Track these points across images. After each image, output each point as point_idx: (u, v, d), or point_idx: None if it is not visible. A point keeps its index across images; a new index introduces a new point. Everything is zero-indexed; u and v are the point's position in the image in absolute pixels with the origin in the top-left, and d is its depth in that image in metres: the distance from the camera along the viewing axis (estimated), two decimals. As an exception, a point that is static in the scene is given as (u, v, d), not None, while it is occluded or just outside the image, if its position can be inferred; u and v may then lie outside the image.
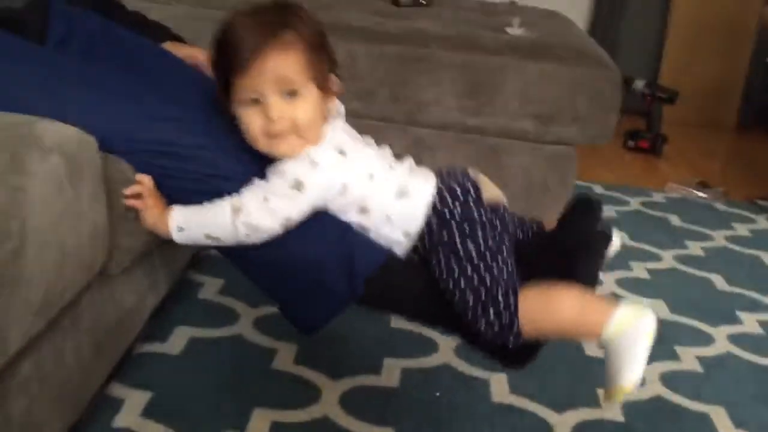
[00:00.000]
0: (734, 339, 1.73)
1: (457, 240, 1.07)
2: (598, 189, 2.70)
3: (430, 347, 1.54)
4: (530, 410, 1.38)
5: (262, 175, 1.07)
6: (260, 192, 1.04)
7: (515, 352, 1.10)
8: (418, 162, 2.01)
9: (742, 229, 2.48)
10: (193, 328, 1.52)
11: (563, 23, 2.44)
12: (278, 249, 1.08)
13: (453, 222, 1.07)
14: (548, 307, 1.05)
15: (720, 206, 2.69)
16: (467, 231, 1.07)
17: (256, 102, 1.03)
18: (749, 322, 1.82)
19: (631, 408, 1.41)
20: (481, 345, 1.11)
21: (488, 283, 1.05)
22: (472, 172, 1.13)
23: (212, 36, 1.05)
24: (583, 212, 1.18)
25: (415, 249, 1.12)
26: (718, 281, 2.04)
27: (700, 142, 3.59)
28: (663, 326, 1.73)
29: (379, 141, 2.06)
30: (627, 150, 3.29)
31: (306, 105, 1.04)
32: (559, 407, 1.39)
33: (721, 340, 1.71)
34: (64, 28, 1.24)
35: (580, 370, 1.52)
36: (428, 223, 1.09)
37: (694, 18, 3.76)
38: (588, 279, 1.11)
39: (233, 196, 1.05)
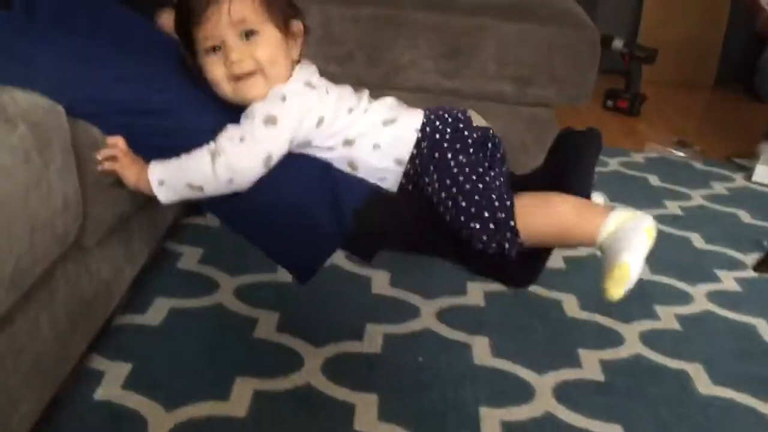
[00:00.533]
0: (712, 297, 1.74)
1: (449, 156, 1.07)
2: (577, 150, 2.70)
3: (412, 312, 1.54)
4: (512, 372, 1.38)
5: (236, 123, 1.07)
6: (236, 133, 1.03)
7: (518, 267, 1.10)
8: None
9: (719, 188, 2.49)
10: (173, 299, 1.50)
11: (541, -17, 2.41)
12: (260, 196, 1.07)
13: (444, 142, 1.08)
14: (546, 210, 1.05)
15: (698, 165, 2.70)
16: (458, 147, 1.08)
17: (216, 50, 1.04)
18: (727, 280, 1.83)
19: (610, 367, 1.43)
20: (481, 264, 1.11)
21: (481, 189, 1.05)
22: (461, 107, 1.15)
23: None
24: (568, 138, 1.19)
25: (406, 174, 1.11)
26: (697, 240, 2.05)
27: (678, 101, 3.59)
28: (642, 285, 1.76)
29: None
30: (606, 110, 3.28)
31: (266, 44, 1.05)
32: (540, 368, 1.40)
33: (699, 299, 1.73)
34: None
35: (561, 332, 1.53)
36: (418, 146, 1.08)
37: (672, -24, 3.75)
38: (581, 186, 1.11)
39: (210, 143, 1.04)
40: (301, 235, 1.11)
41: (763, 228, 2.19)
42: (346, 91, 1.13)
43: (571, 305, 1.63)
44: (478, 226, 1.05)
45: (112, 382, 1.25)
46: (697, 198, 2.38)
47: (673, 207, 2.28)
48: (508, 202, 1.05)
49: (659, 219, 2.15)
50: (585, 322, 1.58)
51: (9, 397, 0.90)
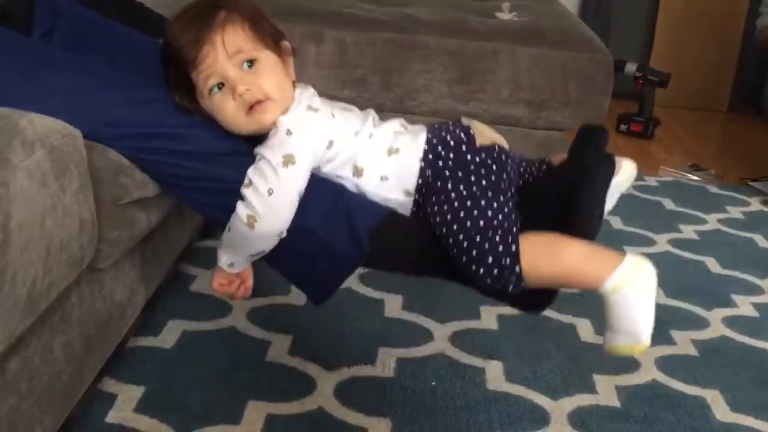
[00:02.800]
0: (729, 322, 1.72)
1: (449, 185, 1.05)
2: (591, 174, 2.69)
3: (425, 336, 1.54)
4: (526, 397, 1.37)
5: (250, 148, 1.07)
6: (262, 186, 1.02)
7: (530, 296, 1.08)
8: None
9: (735, 212, 2.47)
10: (186, 321, 1.51)
11: (553, 7, 2.42)
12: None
13: (446, 170, 1.06)
14: (553, 252, 1.03)
15: (713, 189, 2.69)
16: (459, 175, 1.06)
17: (220, 87, 1.04)
18: (743, 305, 1.81)
19: (627, 393, 1.41)
20: (485, 291, 1.09)
21: (482, 227, 1.02)
22: (465, 121, 1.12)
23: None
24: (586, 142, 1.15)
25: (416, 202, 1.10)
26: (712, 264, 2.04)
27: (692, 124, 3.58)
28: (658, 310, 1.73)
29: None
30: (619, 134, 3.28)
31: (267, 70, 1.05)
32: (555, 394, 1.39)
33: (715, 324, 1.71)
34: (49, 19, 1.23)
35: (576, 357, 1.52)
36: (423, 176, 1.08)
37: (685, 0, 3.75)
38: (592, 206, 1.09)
39: (239, 206, 1.03)
40: (318, 257, 1.10)
41: (780, 252, 2.17)
42: (351, 113, 1.12)
43: (585, 330, 1.62)
44: (481, 271, 1.03)
45: (125, 404, 1.25)
46: (713, 222, 2.36)
47: (688, 231, 2.26)
48: (513, 247, 1.02)
49: (675, 243, 2.15)
50: (600, 347, 1.55)
51: (23, 420, 0.90)
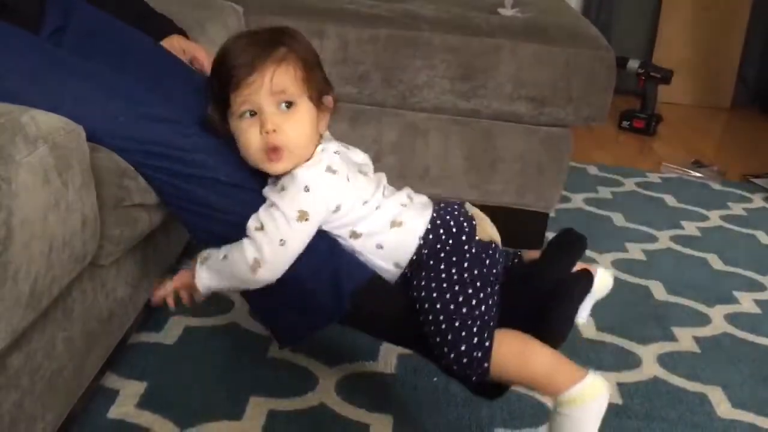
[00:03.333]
0: (731, 318, 1.72)
1: (442, 266, 1.08)
2: (592, 170, 2.69)
3: (427, 332, 1.54)
4: (528, 394, 1.37)
5: (258, 179, 1.09)
6: (275, 236, 1.03)
7: (486, 385, 1.11)
8: (412, 148, 2.00)
9: (737, 209, 2.47)
10: (188, 318, 1.51)
11: (556, 3, 2.41)
12: None
13: (442, 253, 1.08)
14: (522, 357, 1.06)
15: (715, 185, 2.68)
16: (454, 261, 1.08)
17: (252, 114, 1.04)
18: (746, 302, 1.81)
19: (628, 389, 1.41)
20: (449, 373, 1.11)
21: (464, 315, 1.05)
22: (469, 208, 1.14)
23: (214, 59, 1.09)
24: (565, 250, 1.18)
25: (402, 275, 1.12)
26: (714, 261, 2.03)
27: (694, 121, 3.58)
28: (659, 307, 1.74)
29: (372, 125, 2.04)
30: (621, 130, 3.27)
31: (300, 118, 1.05)
32: (557, 390, 1.39)
33: (717, 320, 1.71)
34: (59, 18, 1.23)
35: (577, 353, 1.52)
36: (418, 253, 1.09)
37: (688, -3, 3.75)
38: (561, 324, 1.11)
39: (247, 247, 1.04)
40: (297, 306, 1.12)
41: (782, 249, 2.16)
42: (364, 179, 1.12)
43: (587, 327, 1.62)
44: (451, 356, 1.05)
45: (127, 400, 1.25)
46: (715, 218, 2.36)
47: (690, 228, 2.26)
48: (487, 343, 1.05)
49: (677, 240, 2.15)
50: (601, 343, 1.57)
51: (25, 416, 0.90)
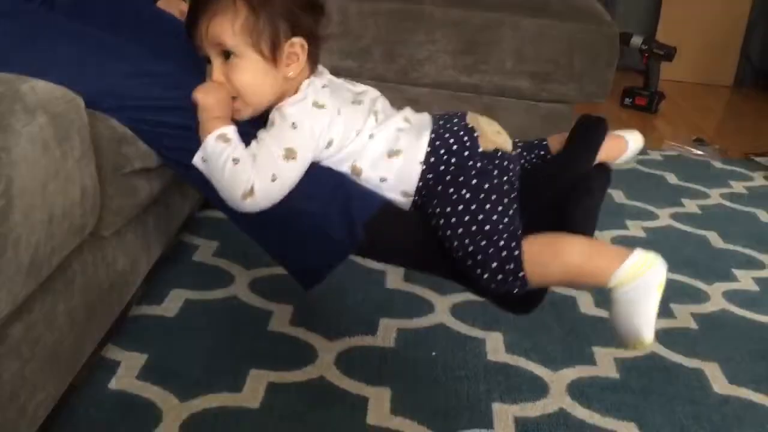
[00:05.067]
0: (729, 296, 1.73)
1: (451, 190, 1.05)
2: (594, 148, 2.68)
3: (426, 307, 1.54)
4: (526, 368, 1.38)
5: (252, 127, 1.07)
6: (268, 171, 1.01)
7: (520, 297, 1.08)
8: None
9: (738, 187, 2.47)
10: (189, 291, 1.51)
11: (560, -22, 2.39)
12: (276, 205, 1.06)
13: (447, 175, 1.06)
14: (555, 252, 1.04)
15: (716, 164, 2.68)
16: (461, 180, 1.05)
17: (209, 62, 1.06)
18: (744, 280, 1.82)
19: (626, 365, 1.42)
20: (484, 292, 1.09)
21: (487, 231, 1.03)
22: (470, 118, 1.11)
23: None
24: (585, 139, 1.15)
25: (414, 204, 1.10)
26: (714, 238, 2.04)
27: (697, 99, 3.56)
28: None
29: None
30: (624, 108, 3.26)
31: (243, 70, 1.04)
32: (555, 365, 1.40)
33: (716, 298, 1.72)
34: None
35: (575, 328, 1.52)
36: (423, 179, 1.07)
37: (693, -27, 3.71)
38: (585, 221, 1.09)
39: (241, 171, 1.01)
40: (312, 242, 1.10)
41: (782, 228, 2.16)
42: (358, 108, 1.09)
43: (586, 302, 1.62)
44: (486, 276, 1.03)
45: (128, 372, 1.26)
46: (716, 196, 2.36)
47: (690, 205, 2.26)
48: (517, 251, 1.02)
49: (677, 217, 2.15)
50: (600, 319, 1.57)
51: (26, 385, 0.91)
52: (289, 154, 1.02)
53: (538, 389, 1.33)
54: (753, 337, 1.57)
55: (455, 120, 1.11)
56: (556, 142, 1.21)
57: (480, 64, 1.91)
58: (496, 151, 1.09)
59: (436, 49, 1.91)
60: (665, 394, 1.35)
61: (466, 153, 1.07)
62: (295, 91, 1.07)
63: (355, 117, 1.08)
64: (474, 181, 1.05)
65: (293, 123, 1.03)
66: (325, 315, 1.48)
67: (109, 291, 1.14)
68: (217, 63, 1.04)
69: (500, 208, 1.04)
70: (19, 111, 0.82)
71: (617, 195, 2.27)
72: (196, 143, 1.04)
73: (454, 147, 1.07)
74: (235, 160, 1.01)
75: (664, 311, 1.62)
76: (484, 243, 1.03)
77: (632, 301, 1.02)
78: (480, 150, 1.08)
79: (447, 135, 1.08)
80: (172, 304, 1.47)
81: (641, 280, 1.02)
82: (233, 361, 1.31)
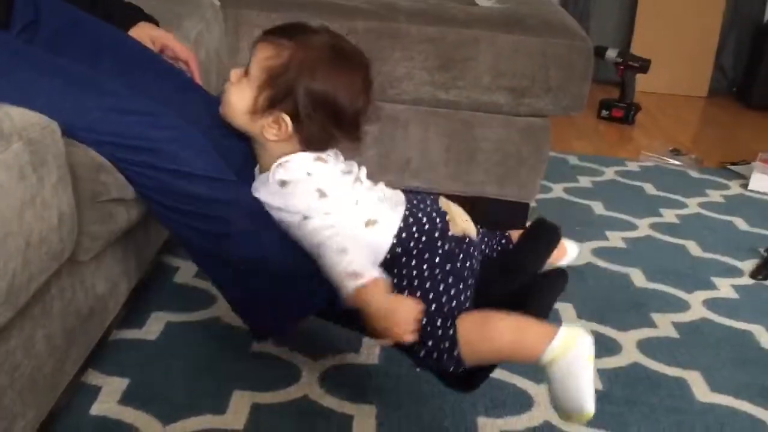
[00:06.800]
0: (709, 304, 1.74)
1: (413, 264, 1.09)
2: (572, 159, 2.71)
3: (409, 323, 1.54)
4: (510, 382, 1.38)
5: (232, 172, 1.10)
6: (321, 210, 1.07)
7: (464, 376, 1.11)
8: (392, 139, 2.00)
9: (715, 195, 2.50)
10: (170, 313, 1.50)
11: (534, -6, 2.42)
12: (249, 254, 1.09)
13: (414, 250, 1.09)
14: (485, 333, 1.07)
15: (693, 173, 2.71)
16: (426, 257, 1.09)
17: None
18: (724, 288, 1.84)
19: (608, 375, 1.43)
20: (424, 366, 1.13)
21: (431, 311, 1.06)
22: (443, 203, 1.15)
23: None
24: (540, 241, 1.21)
25: None
26: (693, 247, 2.06)
27: (672, 110, 3.61)
28: (639, 294, 1.76)
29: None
30: (601, 120, 3.30)
31: (240, 88, 1.11)
32: (539, 378, 1.40)
33: (696, 306, 1.73)
34: (30, 14, 1.21)
35: (559, 341, 1.53)
36: (392, 251, 1.10)
37: (665, -14, 3.77)
38: (543, 314, 1.12)
39: (316, 235, 1.05)
40: (273, 298, 1.14)
41: (759, 235, 2.19)
42: (346, 177, 1.14)
43: (568, 314, 1.63)
44: (423, 352, 1.07)
45: (109, 396, 1.25)
46: (693, 206, 2.38)
47: (668, 215, 2.28)
48: (452, 331, 1.06)
49: (656, 227, 2.17)
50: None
51: (5, 413, 0.90)
52: (321, 194, 1.09)
53: (523, 402, 1.33)
54: (734, 345, 1.59)
55: (428, 202, 1.14)
56: (515, 235, 1.25)
57: (457, 80, 1.93)
58: (464, 236, 1.12)
59: (413, 66, 1.92)
60: (648, 404, 1.36)
61: (437, 234, 1.10)
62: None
63: (345, 183, 1.13)
64: (437, 260, 1.09)
65: (308, 172, 1.09)
66: (308, 334, 1.47)
67: (88, 316, 1.13)
68: (238, 70, 1.12)
69: (453, 292, 1.08)
70: (-6, 138, 0.82)
71: (596, 206, 2.29)
72: (169, 183, 1.06)
73: (426, 227, 1.10)
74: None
75: (645, 320, 1.64)
76: (424, 320, 1.06)
77: (567, 377, 1.04)
78: (450, 233, 1.11)
79: (420, 214, 1.12)
80: (153, 327, 1.46)
81: (571, 356, 1.04)
82: (216, 383, 1.31)
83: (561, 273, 1.20)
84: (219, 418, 1.22)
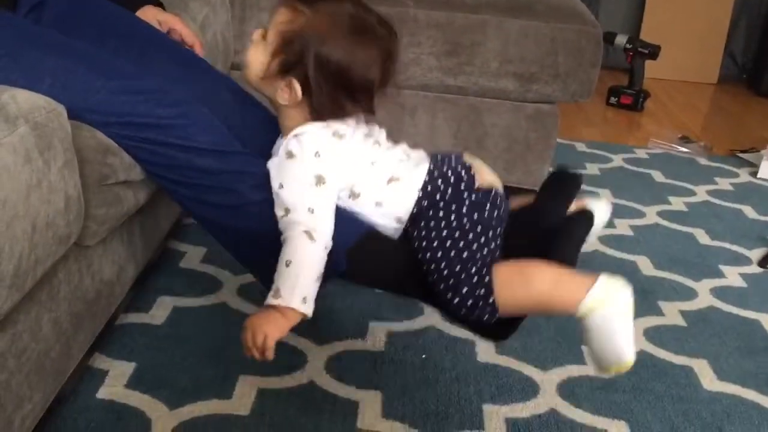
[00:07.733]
0: (717, 292, 1.74)
1: (441, 214, 1.07)
2: (580, 146, 2.69)
3: (416, 311, 1.54)
4: (516, 369, 1.38)
5: (240, 146, 1.08)
6: (306, 204, 1.04)
7: (495, 325, 1.09)
8: (400, 125, 1.99)
9: (724, 183, 2.48)
10: (176, 298, 1.50)
11: (543, -21, 2.40)
12: (263, 225, 1.07)
13: (441, 201, 1.08)
14: (523, 280, 1.05)
15: (702, 161, 2.69)
16: (453, 208, 1.07)
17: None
18: (732, 276, 1.83)
19: (615, 364, 1.42)
20: (461, 319, 1.11)
21: (464, 258, 1.05)
22: (468, 157, 1.13)
23: None
24: (560, 189, 1.17)
25: (404, 231, 1.11)
26: (701, 235, 2.05)
27: (682, 97, 3.58)
28: (647, 281, 1.75)
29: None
30: (609, 106, 3.27)
31: (257, 50, 1.08)
32: (545, 365, 1.40)
33: (704, 294, 1.72)
34: None
35: (565, 329, 1.52)
36: (419, 205, 1.09)
37: (676, -29, 3.73)
38: (566, 261, 1.10)
39: (295, 227, 1.03)
40: None
41: (768, 223, 2.18)
42: (363, 142, 1.12)
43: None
44: (457, 300, 1.05)
45: (116, 381, 1.25)
46: (702, 194, 2.37)
47: (677, 203, 2.27)
48: (487, 278, 1.04)
49: (664, 215, 2.16)
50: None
51: (12, 397, 0.90)
52: (319, 180, 1.05)
53: (528, 390, 1.33)
54: (741, 333, 1.58)
55: (453, 156, 1.13)
56: (517, 202, 1.22)
57: (465, 65, 1.92)
58: (491, 188, 1.11)
59: (421, 51, 1.91)
60: (655, 392, 1.36)
61: (463, 186, 1.09)
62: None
63: (361, 150, 1.10)
64: (464, 210, 1.07)
65: (317, 152, 1.06)
66: (315, 320, 1.47)
67: (95, 300, 1.13)
68: (261, 31, 1.09)
69: (483, 240, 1.07)
70: (1, 121, 0.81)
71: (604, 194, 2.28)
72: (177, 160, 1.05)
73: (452, 179, 1.09)
74: (288, 263, 1.03)
75: (652, 309, 1.63)
76: (458, 268, 1.05)
77: (606, 326, 1.03)
78: (476, 186, 1.10)
79: (445, 168, 1.10)
80: (159, 311, 1.46)
81: (610, 305, 1.03)
82: (222, 368, 1.31)
83: (582, 215, 1.15)
84: (225, 403, 1.22)
